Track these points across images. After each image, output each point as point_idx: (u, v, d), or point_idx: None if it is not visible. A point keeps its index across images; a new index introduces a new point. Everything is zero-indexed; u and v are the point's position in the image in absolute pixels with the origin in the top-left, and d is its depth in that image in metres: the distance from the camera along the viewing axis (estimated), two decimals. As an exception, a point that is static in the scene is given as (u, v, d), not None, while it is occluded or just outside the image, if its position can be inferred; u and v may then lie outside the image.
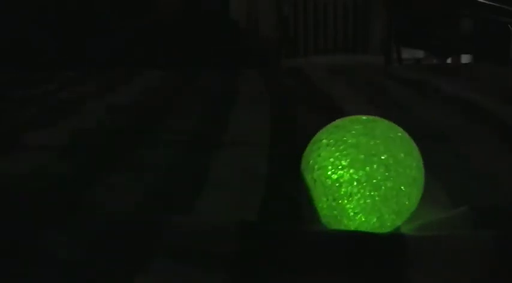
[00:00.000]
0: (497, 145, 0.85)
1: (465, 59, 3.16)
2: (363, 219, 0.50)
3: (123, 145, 0.89)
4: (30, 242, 0.52)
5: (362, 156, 0.49)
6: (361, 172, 0.49)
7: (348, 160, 0.50)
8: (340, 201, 0.50)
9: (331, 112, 1.10)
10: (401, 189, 0.50)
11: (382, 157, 0.50)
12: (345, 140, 0.51)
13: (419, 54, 3.13)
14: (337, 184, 0.50)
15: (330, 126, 0.54)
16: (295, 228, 0.53)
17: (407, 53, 3.03)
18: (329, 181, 0.50)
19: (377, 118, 0.55)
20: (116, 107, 1.24)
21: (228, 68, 1.97)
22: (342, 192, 0.50)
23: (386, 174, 0.49)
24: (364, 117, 0.55)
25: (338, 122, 0.55)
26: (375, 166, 0.49)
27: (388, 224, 0.52)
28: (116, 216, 0.59)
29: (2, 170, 0.77)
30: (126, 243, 0.52)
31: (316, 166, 0.51)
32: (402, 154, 0.51)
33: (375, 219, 0.51)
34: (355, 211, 0.50)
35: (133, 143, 0.90)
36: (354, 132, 0.51)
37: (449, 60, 3.13)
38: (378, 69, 2.09)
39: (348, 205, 0.50)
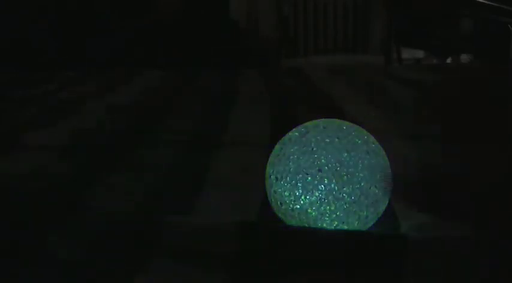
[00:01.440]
0: (497, 146, 0.85)
1: (465, 59, 3.16)
2: (346, 226, 0.51)
3: (123, 145, 0.89)
4: (30, 242, 0.53)
5: (309, 178, 0.50)
6: (317, 193, 0.50)
7: (300, 185, 0.50)
8: (316, 222, 0.51)
9: (331, 112, 1.10)
10: (361, 185, 0.50)
11: (327, 168, 0.50)
12: (287, 168, 0.51)
13: (419, 54, 3.13)
14: (304, 211, 0.51)
15: (271, 156, 0.55)
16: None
17: (407, 53, 3.03)
18: (296, 212, 0.51)
19: (309, 125, 0.54)
20: (116, 107, 1.24)
21: (228, 68, 1.97)
22: (313, 215, 0.51)
23: (340, 181, 0.50)
24: (296, 132, 0.54)
25: (277, 148, 0.54)
26: (325, 180, 0.50)
27: (373, 216, 0.52)
28: (116, 216, 0.59)
29: (2, 170, 0.77)
30: (126, 243, 0.52)
31: (278, 203, 0.52)
32: (345, 153, 0.50)
33: (356, 222, 0.51)
34: (334, 224, 0.51)
35: (133, 143, 0.90)
36: (292, 157, 0.51)
37: (449, 60, 3.13)
38: (378, 69, 2.09)
39: (325, 224, 0.51)
